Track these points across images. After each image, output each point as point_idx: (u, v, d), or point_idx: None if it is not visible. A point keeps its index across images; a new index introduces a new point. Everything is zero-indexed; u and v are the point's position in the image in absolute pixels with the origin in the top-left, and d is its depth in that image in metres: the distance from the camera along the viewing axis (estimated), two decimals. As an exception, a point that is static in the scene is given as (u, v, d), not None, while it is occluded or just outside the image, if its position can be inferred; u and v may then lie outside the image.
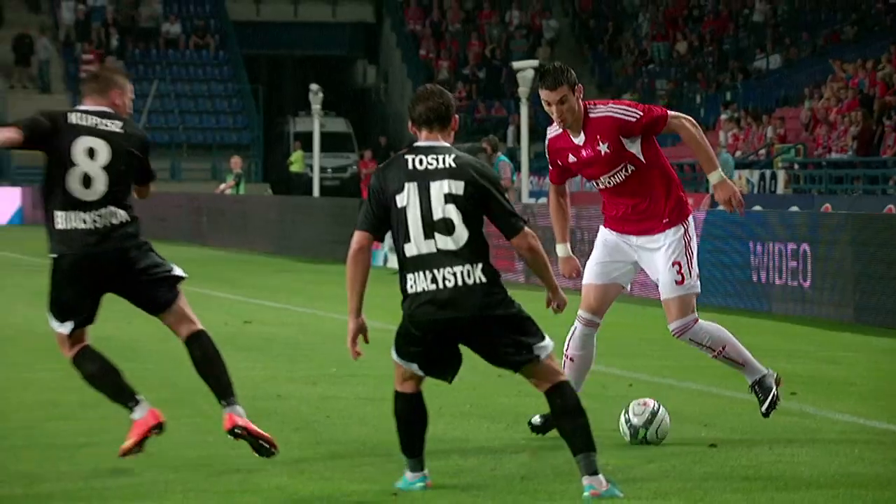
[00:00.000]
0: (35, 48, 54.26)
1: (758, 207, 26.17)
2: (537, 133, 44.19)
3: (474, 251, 7.05)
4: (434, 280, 7.01)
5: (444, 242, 7.03)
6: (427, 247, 7.04)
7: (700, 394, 11.04)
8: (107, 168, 7.81)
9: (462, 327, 7.09)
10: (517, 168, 32.71)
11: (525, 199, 29.98)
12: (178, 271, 7.94)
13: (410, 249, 7.05)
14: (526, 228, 7.15)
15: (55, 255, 7.87)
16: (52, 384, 11.50)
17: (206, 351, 7.88)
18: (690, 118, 8.82)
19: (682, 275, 8.63)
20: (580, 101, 8.56)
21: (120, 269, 7.80)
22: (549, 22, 54.69)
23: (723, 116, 39.14)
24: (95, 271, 7.78)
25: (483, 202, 7.08)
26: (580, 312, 8.95)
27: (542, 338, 7.20)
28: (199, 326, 7.94)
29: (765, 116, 37.39)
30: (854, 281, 16.90)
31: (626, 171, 8.60)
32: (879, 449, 8.68)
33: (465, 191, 7.05)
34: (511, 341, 7.14)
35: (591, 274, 8.90)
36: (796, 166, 34.01)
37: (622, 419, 8.81)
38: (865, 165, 31.45)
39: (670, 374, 12.20)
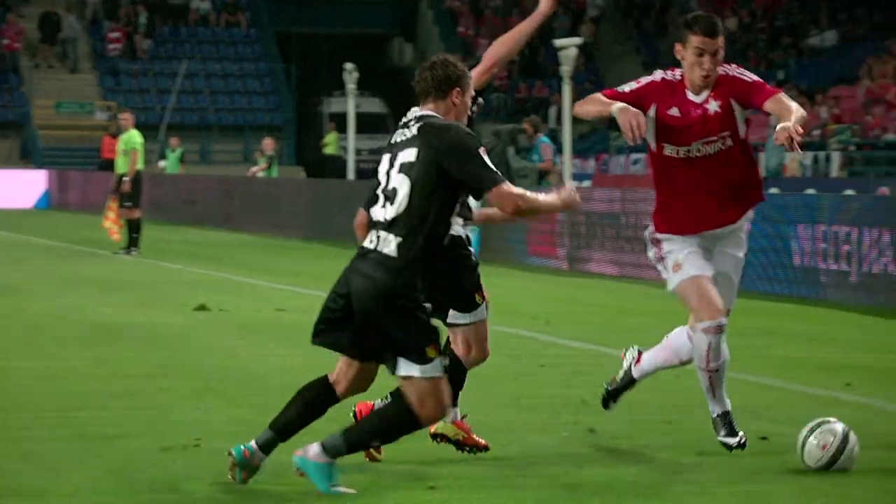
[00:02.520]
0: (61, 26, 54.53)
1: (811, 191, 26.10)
2: (581, 113, 44.13)
3: (407, 224, 7.16)
4: (371, 241, 7.27)
5: (387, 212, 7.25)
6: (381, 214, 7.29)
7: (754, 385, 10.99)
8: None
9: (360, 298, 7.16)
10: (559, 150, 32.66)
11: (568, 181, 29.89)
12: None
13: (373, 214, 7.36)
14: (504, 185, 7.13)
15: None
16: (81, 373, 11.57)
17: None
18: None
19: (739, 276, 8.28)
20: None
21: None
22: (596, -1, 54.56)
23: (775, 96, 38.94)
24: None
25: (440, 166, 7.14)
26: (708, 323, 8.03)
27: (422, 358, 7.13)
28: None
29: (819, 96, 37.21)
30: (911, 267, 16.80)
31: (726, 143, 8.09)
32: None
33: (418, 156, 7.21)
34: (391, 337, 7.15)
35: (693, 265, 8.11)
36: (852, 148, 33.83)
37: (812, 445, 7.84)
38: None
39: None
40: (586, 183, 34.12)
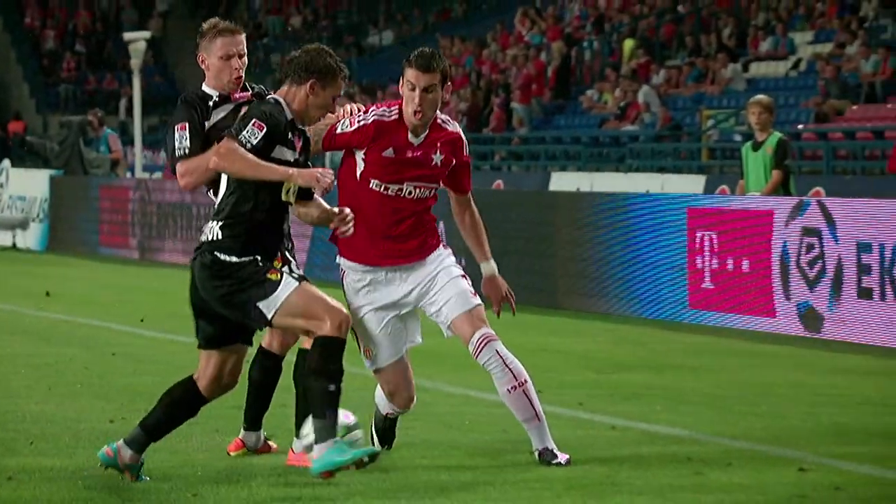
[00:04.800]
0: None
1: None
2: (150, 105, 43.50)
3: (222, 208, 6.96)
4: (203, 233, 7.07)
5: (216, 200, 7.10)
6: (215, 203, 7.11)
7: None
8: None
9: (201, 285, 6.98)
10: (129, 141, 32.13)
11: (139, 173, 29.44)
12: None
13: None
14: (228, 137, 6.85)
15: None
16: None
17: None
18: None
19: (471, 288, 7.62)
20: (441, 100, 7.57)
21: None
22: (164, -6, 53.92)
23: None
24: None
25: None
26: (393, 408, 7.74)
27: (273, 286, 6.85)
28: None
29: (379, 92, 37.92)
30: (466, 257, 17.30)
31: (432, 192, 7.61)
32: (490, 419, 8.92)
33: None
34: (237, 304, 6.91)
35: (383, 355, 7.60)
36: (409, 142, 34.60)
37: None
38: (475, 142, 32.32)
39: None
40: (157, 174, 33.68)
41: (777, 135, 14.27)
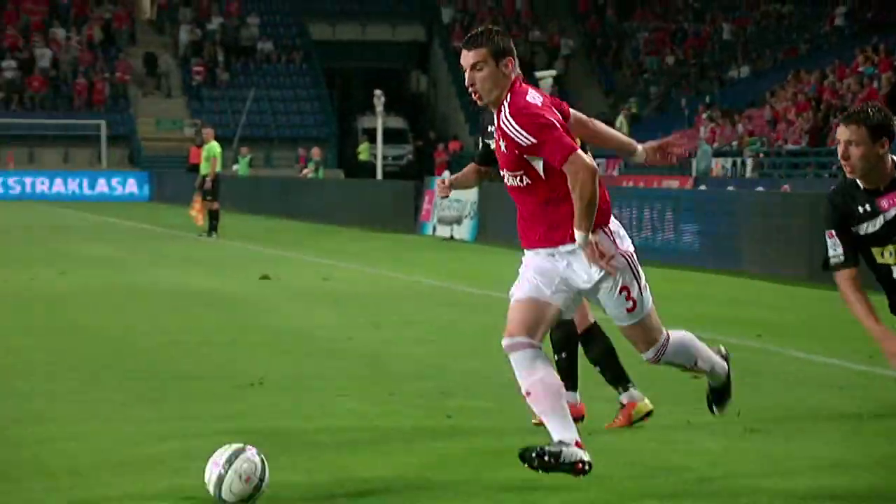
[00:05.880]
0: (159, 62, 54.33)
1: (731, 188, 25.96)
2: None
3: None
4: None
5: None
6: None
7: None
8: None
9: None
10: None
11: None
12: None
13: None
14: None
15: None
16: (167, 328, 11.36)
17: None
18: (593, 167, 5.48)
19: (632, 300, 5.74)
20: (509, 77, 5.61)
21: None
22: (568, 41, 54.28)
23: (703, 115, 38.85)
24: None
25: None
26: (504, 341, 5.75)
27: None
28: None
29: (736, 115, 37.06)
30: (808, 246, 16.65)
31: (522, 180, 5.64)
32: (855, 391, 8.47)
33: None
34: None
35: (516, 288, 5.85)
36: (761, 155, 33.72)
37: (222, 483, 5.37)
38: (815, 154, 31.15)
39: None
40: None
41: None
